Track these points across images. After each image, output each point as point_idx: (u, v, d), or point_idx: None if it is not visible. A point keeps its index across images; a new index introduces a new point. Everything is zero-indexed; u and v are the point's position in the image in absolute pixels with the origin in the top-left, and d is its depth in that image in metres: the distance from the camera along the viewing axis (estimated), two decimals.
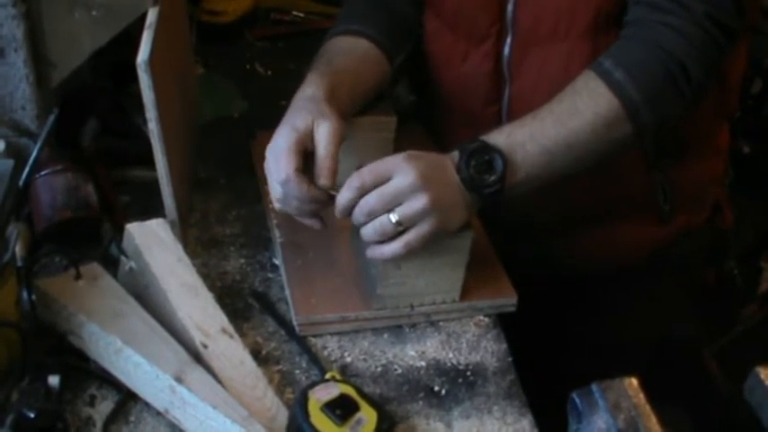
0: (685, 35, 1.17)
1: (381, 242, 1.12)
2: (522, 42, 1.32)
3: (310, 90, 1.23)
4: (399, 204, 1.10)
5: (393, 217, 1.10)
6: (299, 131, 1.15)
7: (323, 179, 1.14)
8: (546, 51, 1.30)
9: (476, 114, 1.38)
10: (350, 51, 1.35)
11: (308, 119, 1.17)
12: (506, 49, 1.34)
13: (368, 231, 1.12)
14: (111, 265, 1.19)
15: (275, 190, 1.17)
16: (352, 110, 1.32)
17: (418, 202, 1.09)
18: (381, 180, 1.10)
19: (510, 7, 1.30)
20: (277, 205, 1.19)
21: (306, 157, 1.16)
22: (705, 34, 1.17)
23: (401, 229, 1.11)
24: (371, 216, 1.11)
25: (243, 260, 1.31)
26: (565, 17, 1.26)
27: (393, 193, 1.10)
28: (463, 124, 1.37)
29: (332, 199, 1.14)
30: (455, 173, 1.14)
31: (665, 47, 1.17)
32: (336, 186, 1.14)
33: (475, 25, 1.35)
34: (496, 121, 1.21)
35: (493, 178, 1.13)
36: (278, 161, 1.15)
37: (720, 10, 1.17)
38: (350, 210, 1.12)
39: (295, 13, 1.98)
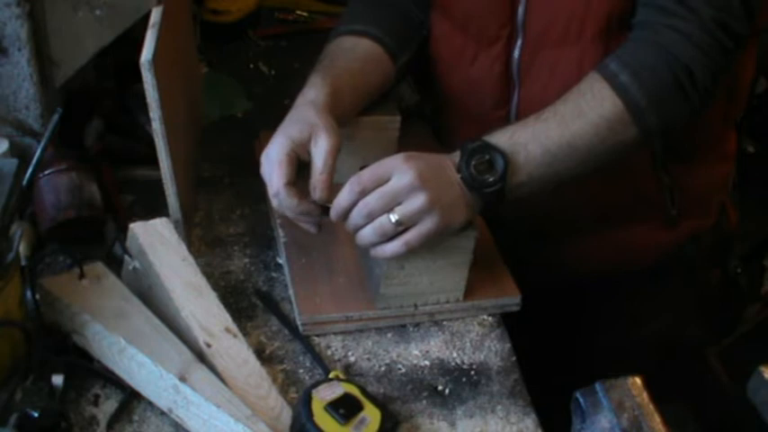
0: (692, 39, 1.16)
1: (382, 242, 1.12)
2: (532, 45, 1.31)
3: (311, 93, 1.23)
4: (399, 204, 1.10)
5: (393, 217, 1.10)
6: (294, 141, 1.16)
7: (318, 192, 1.15)
8: (557, 55, 1.29)
9: (484, 117, 1.37)
10: (352, 51, 1.35)
11: (304, 130, 1.17)
12: (516, 52, 1.33)
13: (367, 233, 1.11)
14: (115, 265, 1.19)
15: (271, 193, 1.17)
16: (355, 109, 1.32)
17: (417, 201, 1.09)
18: (381, 182, 1.10)
19: (521, 10, 1.29)
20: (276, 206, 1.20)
21: (300, 167, 1.16)
22: (713, 39, 1.16)
23: (401, 228, 1.10)
24: (371, 217, 1.10)
25: (247, 259, 1.31)
26: (576, 20, 1.25)
27: (392, 192, 1.10)
28: (471, 127, 1.36)
29: (325, 211, 1.15)
30: (455, 172, 1.13)
31: (672, 51, 1.16)
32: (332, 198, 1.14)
33: (485, 27, 1.34)
34: (505, 125, 1.20)
35: (493, 178, 1.13)
36: (271, 171, 1.16)
37: (729, 15, 1.16)
38: (347, 212, 1.12)
39: (299, 12, 1.98)
